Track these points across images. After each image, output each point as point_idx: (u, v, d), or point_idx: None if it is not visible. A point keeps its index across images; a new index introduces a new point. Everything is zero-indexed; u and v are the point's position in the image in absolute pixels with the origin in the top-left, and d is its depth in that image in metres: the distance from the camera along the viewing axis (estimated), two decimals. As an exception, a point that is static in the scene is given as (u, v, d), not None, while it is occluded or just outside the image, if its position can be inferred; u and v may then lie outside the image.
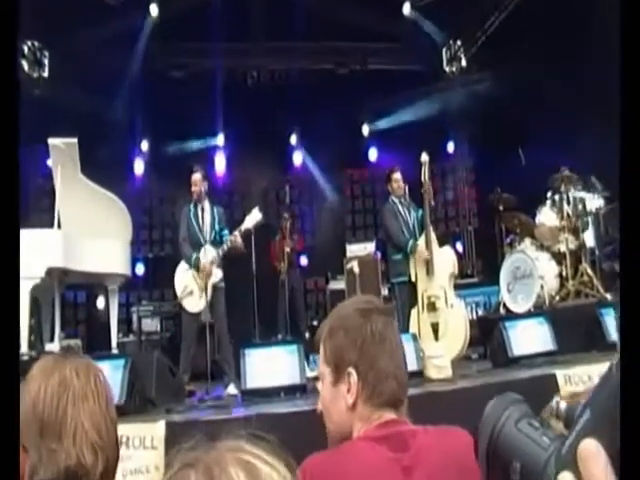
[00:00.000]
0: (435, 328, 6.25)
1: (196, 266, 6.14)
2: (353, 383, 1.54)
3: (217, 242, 6.30)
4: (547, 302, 6.80)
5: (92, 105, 9.74)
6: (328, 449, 1.56)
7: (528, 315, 6.30)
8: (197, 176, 6.39)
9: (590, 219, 7.21)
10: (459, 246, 11.49)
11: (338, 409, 1.57)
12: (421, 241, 6.57)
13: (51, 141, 6.11)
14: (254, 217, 6.35)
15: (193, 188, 6.35)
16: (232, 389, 5.54)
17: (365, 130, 12.36)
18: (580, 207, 7.20)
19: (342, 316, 1.61)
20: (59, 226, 5.97)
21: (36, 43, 9.86)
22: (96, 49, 9.50)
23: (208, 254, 6.13)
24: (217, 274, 6.19)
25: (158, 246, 11.74)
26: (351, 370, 1.54)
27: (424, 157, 6.59)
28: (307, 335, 9.31)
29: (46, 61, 10.04)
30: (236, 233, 6.22)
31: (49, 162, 6.45)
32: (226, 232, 6.43)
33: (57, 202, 6.01)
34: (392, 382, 1.52)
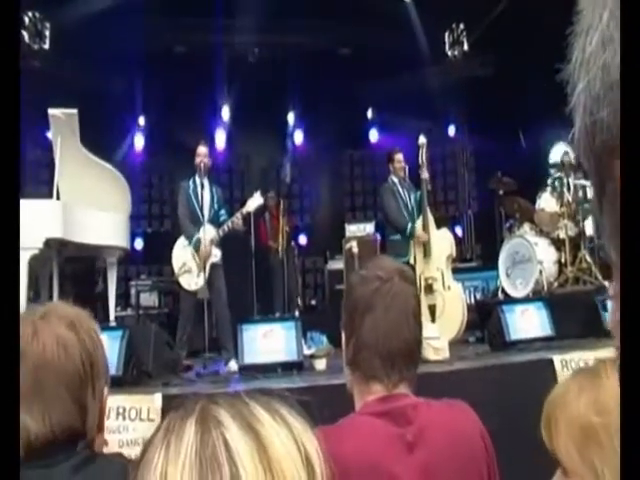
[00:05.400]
0: (432, 310, 6.27)
1: (196, 246, 6.12)
2: (343, 347, 1.55)
3: (215, 221, 6.28)
4: (545, 287, 6.80)
5: (93, 78, 9.66)
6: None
7: (526, 300, 6.31)
8: (202, 149, 6.36)
9: (590, 207, 7.20)
10: (459, 230, 11.48)
11: (345, 370, 1.56)
12: (419, 223, 6.58)
13: (51, 111, 6.06)
14: (256, 201, 6.36)
15: (197, 160, 6.30)
16: (233, 365, 5.54)
17: (366, 111, 12.30)
18: (581, 194, 7.18)
19: (349, 279, 1.61)
20: (58, 197, 5.93)
21: (37, 14, 9.74)
22: (98, 22, 9.40)
23: (208, 234, 6.10)
24: (216, 254, 6.17)
25: (157, 221, 11.71)
26: (342, 333, 1.54)
27: (421, 140, 6.63)
28: (304, 313, 9.29)
29: (47, 32, 9.92)
30: (237, 216, 6.21)
31: (49, 134, 6.41)
32: (223, 212, 6.41)
33: (56, 173, 5.97)
34: (368, 353, 1.46)
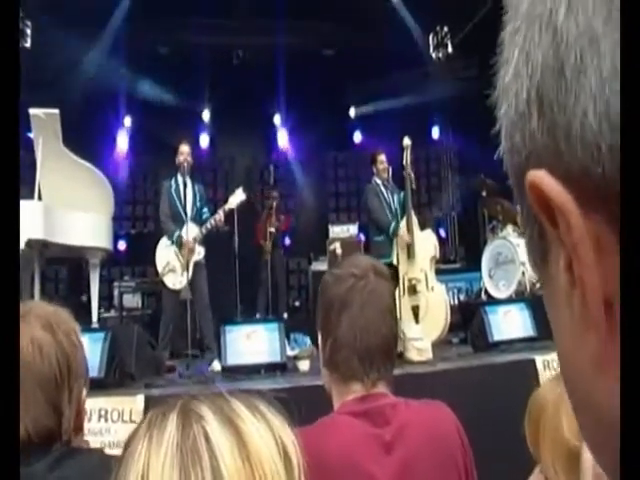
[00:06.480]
0: (416, 311, 6.28)
1: (179, 243, 6.10)
2: (320, 348, 1.54)
3: (198, 220, 6.26)
4: (528, 289, 6.84)
5: (75, 78, 9.58)
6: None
7: (509, 301, 6.34)
8: (185, 147, 6.34)
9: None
10: (442, 232, 11.52)
11: (322, 371, 1.56)
12: (402, 224, 6.59)
13: (32, 111, 6.01)
14: (238, 197, 6.35)
15: (179, 158, 6.27)
16: (216, 366, 5.53)
17: (350, 113, 12.32)
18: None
19: (323, 279, 1.59)
20: (39, 198, 5.89)
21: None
22: (80, 20, 9.33)
23: (190, 231, 6.08)
24: (199, 252, 6.16)
25: (141, 222, 11.67)
26: (319, 334, 1.53)
27: (406, 141, 6.63)
28: (287, 315, 9.27)
29: (28, 31, 9.83)
30: (220, 213, 6.20)
31: (30, 134, 6.35)
32: (206, 210, 6.40)
33: (38, 173, 5.92)
34: (347, 353, 1.44)
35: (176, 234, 6.10)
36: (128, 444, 0.73)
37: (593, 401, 0.35)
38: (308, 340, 6.34)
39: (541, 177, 0.34)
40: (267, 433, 0.73)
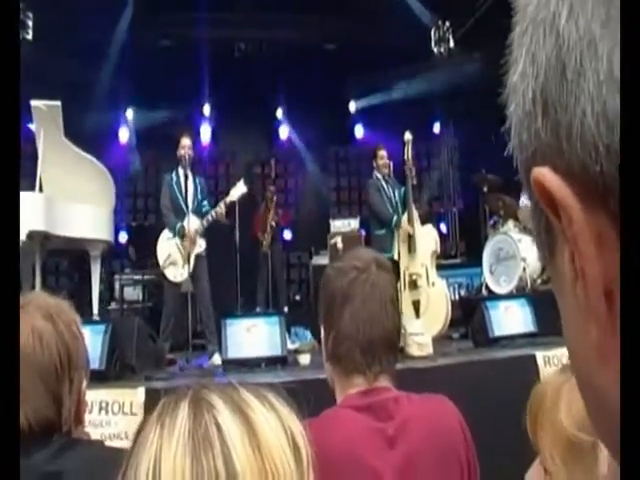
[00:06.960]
0: (416, 306, 6.28)
1: (181, 234, 6.09)
2: (323, 341, 1.54)
3: (199, 212, 6.26)
4: (529, 284, 6.83)
5: (77, 70, 9.56)
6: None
7: (510, 296, 6.35)
8: (186, 140, 6.34)
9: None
10: (443, 227, 11.51)
11: (325, 365, 1.56)
12: (404, 219, 6.59)
13: (34, 103, 5.99)
14: (239, 190, 6.34)
15: (180, 151, 6.26)
16: (217, 359, 5.53)
17: (351, 108, 12.29)
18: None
19: (326, 272, 1.58)
20: (41, 190, 5.88)
21: (20, 3, 9.61)
22: (83, 13, 9.31)
23: (192, 224, 6.08)
24: (201, 244, 6.17)
25: (142, 215, 11.67)
26: (321, 327, 1.53)
27: (407, 136, 6.62)
28: (288, 309, 9.28)
29: (30, 23, 9.80)
30: (221, 205, 6.20)
31: (31, 126, 6.34)
32: (206, 203, 6.40)
33: (39, 165, 5.92)
34: (349, 345, 1.44)
35: (178, 225, 6.10)
36: (139, 432, 0.74)
37: (597, 388, 0.37)
38: (309, 334, 6.35)
39: (544, 173, 0.36)
40: (277, 423, 0.74)
